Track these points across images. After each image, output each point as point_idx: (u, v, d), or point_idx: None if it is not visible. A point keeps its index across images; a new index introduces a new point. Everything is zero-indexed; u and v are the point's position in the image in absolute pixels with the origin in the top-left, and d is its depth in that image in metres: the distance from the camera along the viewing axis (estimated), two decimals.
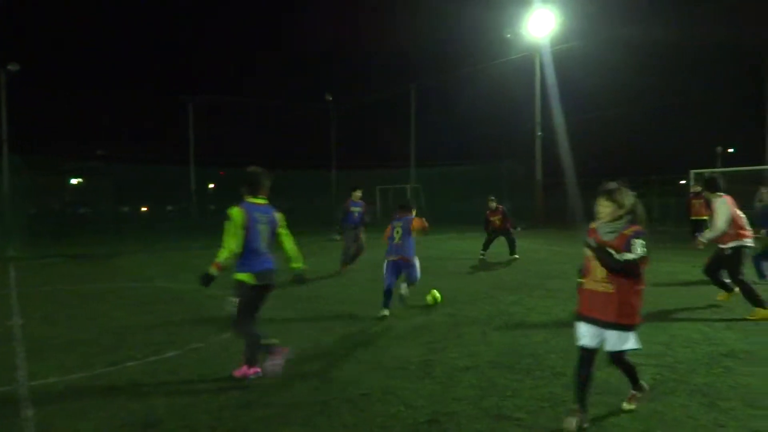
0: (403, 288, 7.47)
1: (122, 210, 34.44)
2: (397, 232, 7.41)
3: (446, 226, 22.86)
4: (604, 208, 3.50)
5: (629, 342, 3.57)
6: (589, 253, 3.51)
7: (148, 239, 19.52)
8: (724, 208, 6.85)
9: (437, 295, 8.02)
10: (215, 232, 5.38)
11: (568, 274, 10.74)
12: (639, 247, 3.31)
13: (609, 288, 3.44)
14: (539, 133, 27.33)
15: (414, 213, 7.62)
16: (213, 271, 4.49)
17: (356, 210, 11.67)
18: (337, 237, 12.67)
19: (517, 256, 13.08)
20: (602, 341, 3.59)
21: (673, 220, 22.34)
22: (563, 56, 27.85)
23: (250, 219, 4.53)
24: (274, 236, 4.77)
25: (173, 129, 36.93)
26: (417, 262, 7.45)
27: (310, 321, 7.01)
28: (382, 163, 37.58)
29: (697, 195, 15.26)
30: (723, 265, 7.13)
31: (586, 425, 3.62)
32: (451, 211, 29.45)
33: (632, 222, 3.43)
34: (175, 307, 8.02)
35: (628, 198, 3.46)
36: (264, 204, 4.74)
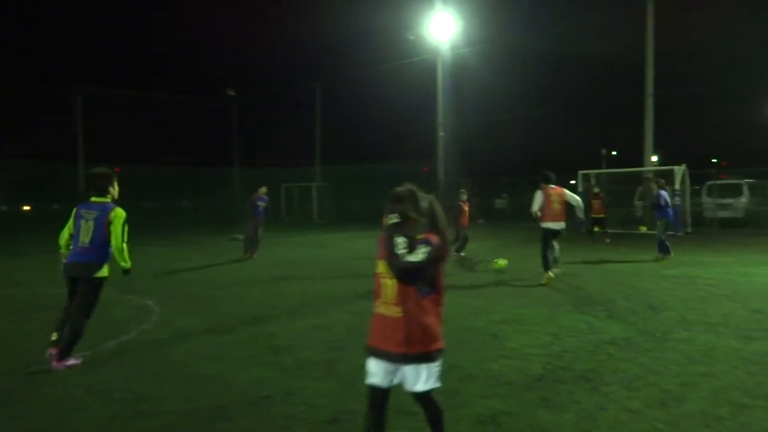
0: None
1: (0, 209, 31.81)
2: None
3: (351, 224, 22.87)
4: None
5: (425, 378, 2.91)
6: (381, 269, 2.94)
7: (28, 241, 18.06)
8: (538, 195, 9.29)
9: (501, 262, 10.48)
10: None
11: (469, 270, 11.15)
12: (421, 253, 2.80)
13: (398, 311, 2.87)
14: (441, 133, 28.14)
15: None
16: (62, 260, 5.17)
17: (261, 204, 13.15)
18: (239, 237, 13.29)
19: (463, 254, 13.30)
20: (397, 378, 2.96)
21: (568, 217, 23.76)
22: (464, 60, 28.87)
23: (76, 216, 5.14)
24: (106, 232, 5.09)
25: (62, 122, 34.29)
26: None
27: (209, 322, 6.80)
28: (287, 161, 37.13)
29: (596, 195, 17.07)
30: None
31: None
32: (355, 209, 29.59)
33: (431, 229, 2.94)
34: (56, 314, 7.44)
35: (423, 203, 2.95)
36: (100, 202, 5.15)
